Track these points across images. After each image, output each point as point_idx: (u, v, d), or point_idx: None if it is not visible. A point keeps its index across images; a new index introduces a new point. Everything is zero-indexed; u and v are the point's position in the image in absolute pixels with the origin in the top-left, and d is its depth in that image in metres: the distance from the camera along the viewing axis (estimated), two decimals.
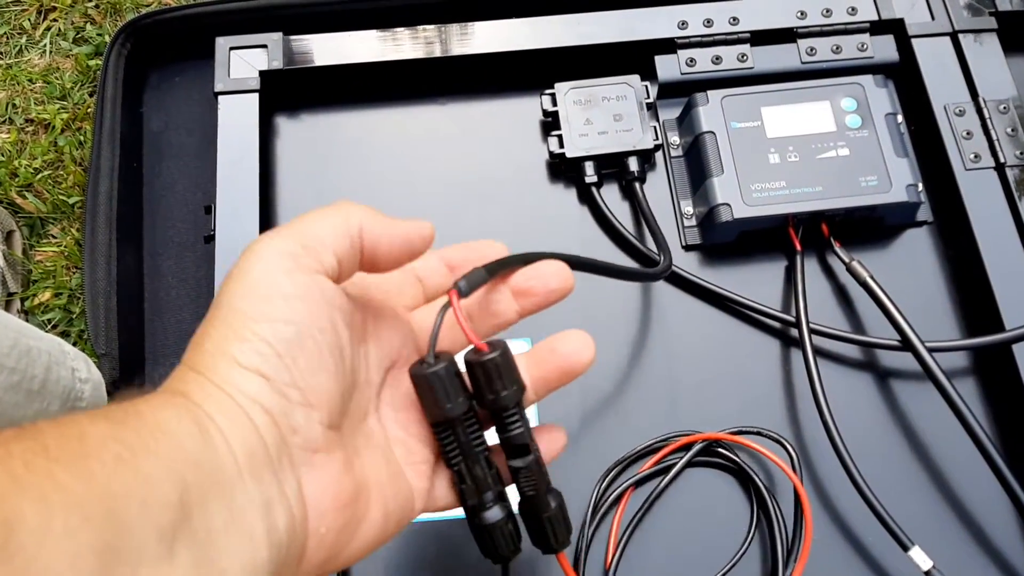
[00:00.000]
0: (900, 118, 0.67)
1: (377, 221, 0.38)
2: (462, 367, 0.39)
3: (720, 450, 0.60)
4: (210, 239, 0.64)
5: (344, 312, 0.37)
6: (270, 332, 0.34)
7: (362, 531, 0.36)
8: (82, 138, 0.99)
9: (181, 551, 0.28)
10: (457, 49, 0.70)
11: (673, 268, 0.64)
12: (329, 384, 0.35)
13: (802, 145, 0.65)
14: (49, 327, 0.90)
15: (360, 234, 0.37)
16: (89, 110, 1.02)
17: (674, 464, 0.59)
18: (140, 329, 0.70)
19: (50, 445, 0.27)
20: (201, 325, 0.35)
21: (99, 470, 0.27)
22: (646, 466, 0.59)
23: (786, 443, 0.59)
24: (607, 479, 0.59)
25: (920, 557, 0.54)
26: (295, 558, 0.33)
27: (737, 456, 0.60)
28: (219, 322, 0.35)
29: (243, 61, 0.69)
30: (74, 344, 0.87)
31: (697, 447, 0.59)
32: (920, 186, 0.65)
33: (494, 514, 0.40)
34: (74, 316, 0.91)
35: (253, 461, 0.32)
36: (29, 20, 1.08)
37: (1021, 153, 0.66)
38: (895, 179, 0.63)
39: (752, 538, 0.58)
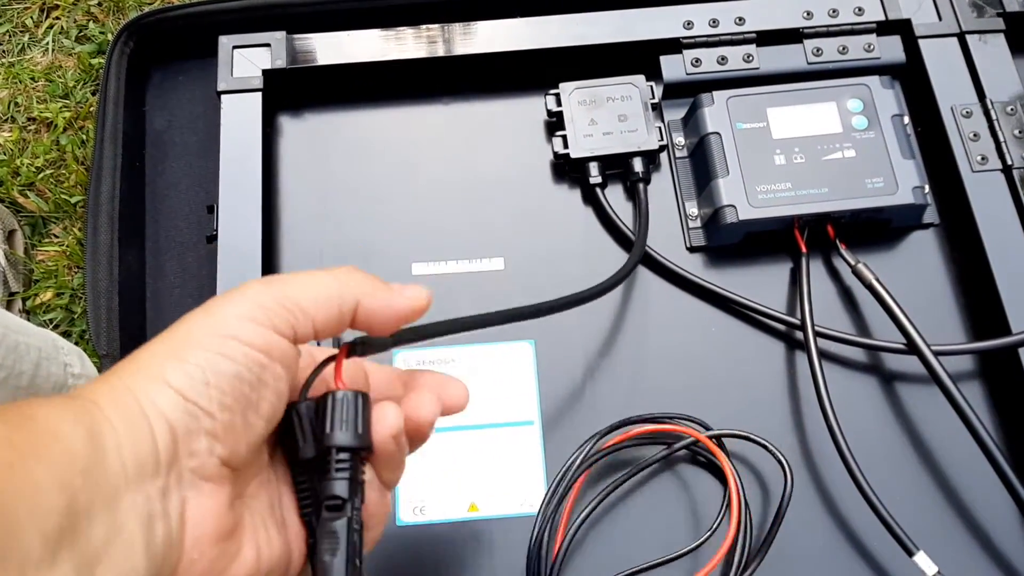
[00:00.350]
0: (907, 119, 0.67)
1: (377, 297, 0.38)
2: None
3: (701, 451, 0.60)
4: (212, 239, 0.64)
5: (290, 376, 0.37)
6: (208, 361, 0.34)
7: (232, 570, 0.36)
8: (84, 137, 0.99)
9: (64, 558, 0.29)
10: (461, 48, 0.70)
11: (676, 269, 0.64)
12: (244, 428, 0.35)
13: (808, 146, 0.64)
14: (51, 327, 0.90)
15: (355, 307, 0.38)
16: (91, 109, 1.02)
17: (644, 457, 0.59)
18: (142, 329, 0.69)
19: None
20: (151, 339, 0.36)
21: None
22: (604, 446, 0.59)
23: (779, 455, 0.58)
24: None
25: (925, 562, 0.54)
26: None
27: (717, 460, 0.59)
28: (167, 341, 0.35)
29: (246, 60, 0.69)
30: (76, 345, 0.87)
31: (680, 444, 0.59)
32: (926, 188, 0.65)
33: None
34: (76, 316, 0.91)
35: (142, 471, 0.32)
36: (32, 18, 1.08)
37: None
38: (901, 181, 0.63)
39: (707, 539, 0.57)
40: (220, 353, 0.34)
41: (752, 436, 0.58)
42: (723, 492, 0.59)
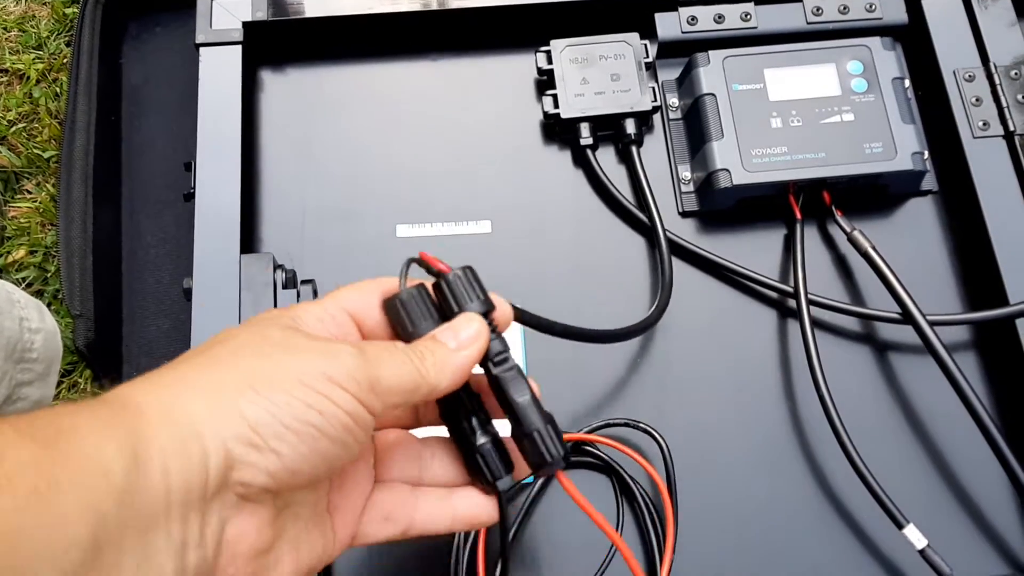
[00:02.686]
0: (907, 83, 0.67)
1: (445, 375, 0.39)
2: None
3: (586, 448, 0.60)
4: (190, 197, 0.63)
5: (367, 439, 0.38)
6: (290, 407, 0.34)
7: None
8: (58, 90, 0.98)
9: None
10: (450, 2, 0.69)
11: (668, 235, 0.64)
12: (307, 473, 0.36)
13: (805, 109, 0.64)
14: (24, 285, 0.90)
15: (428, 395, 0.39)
16: (65, 60, 1.01)
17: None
18: (117, 289, 0.69)
19: None
20: (206, 352, 0.36)
21: (9, 504, 0.27)
22: None
23: (656, 434, 0.59)
24: None
25: (915, 535, 0.55)
26: None
27: (603, 451, 0.59)
28: (236, 367, 0.35)
29: (226, 11, 0.68)
30: (49, 305, 0.87)
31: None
32: (926, 154, 0.65)
33: (481, 438, 0.42)
34: (49, 275, 0.90)
35: (187, 497, 0.32)
36: None
37: None
38: (900, 146, 0.63)
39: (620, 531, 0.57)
40: (306, 403, 0.35)
41: (615, 421, 0.59)
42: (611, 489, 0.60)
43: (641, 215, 0.65)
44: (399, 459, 0.43)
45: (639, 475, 0.59)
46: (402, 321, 0.41)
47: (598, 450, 0.59)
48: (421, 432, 0.45)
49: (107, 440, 0.31)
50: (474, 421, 0.42)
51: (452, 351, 0.39)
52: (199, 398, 0.34)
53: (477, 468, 0.42)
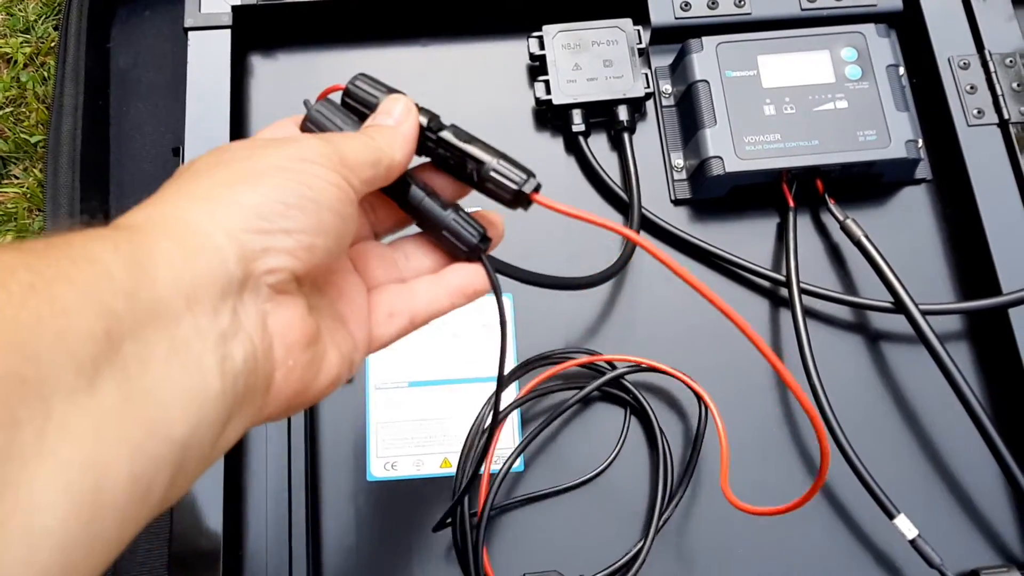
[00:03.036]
0: (902, 70, 0.67)
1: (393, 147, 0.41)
2: None
3: (623, 383, 0.61)
4: None
5: (357, 214, 0.39)
6: (284, 185, 0.35)
7: (325, 368, 0.38)
8: (46, 74, 0.98)
9: (106, 383, 0.27)
10: None
11: (660, 223, 0.64)
12: (322, 249, 0.36)
13: (799, 96, 0.64)
14: None
15: (388, 165, 0.40)
16: (53, 44, 1.00)
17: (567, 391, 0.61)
18: None
19: None
20: (191, 167, 0.36)
21: (3, 300, 0.26)
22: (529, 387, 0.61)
23: (694, 385, 0.59)
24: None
25: (906, 525, 0.55)
26: (260, 389, 0.34)
27: (638, 392, 0.61)
28: (218, 174, 0.36)
29: None
30: None
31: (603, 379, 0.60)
32: (920, 142, 0.64)
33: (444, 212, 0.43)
34: None
35: (210, 291, 0.32)
36: None
37: None
38: (894, 134, 0.63)
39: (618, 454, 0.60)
40: (296, 181, 0.35)
41: (663, 368, 0.60)
42: (622, 420, 0.61)
43: (633, 202, 0.65)
44: (376, 265, 0.44)
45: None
46: (328, 129, 0.42)
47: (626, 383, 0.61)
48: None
49: (106, 250, 0.30)
50: (433, 201, 0.43)
51: (393, 127, 0.41)
52: (192, 204, 0.34)
53: (452, 243, 0.43)
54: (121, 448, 0.27)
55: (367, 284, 0.44)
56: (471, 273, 0.44)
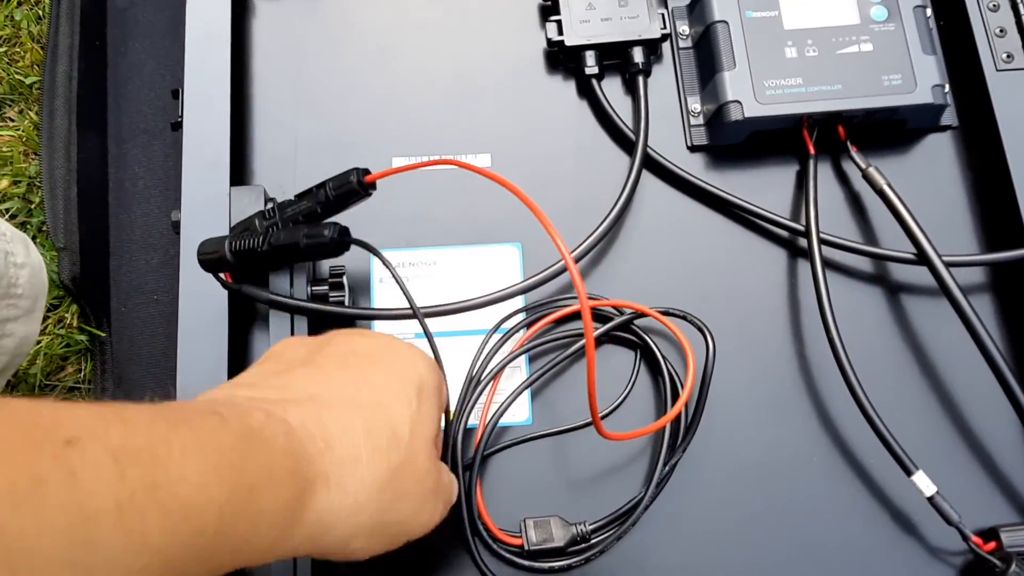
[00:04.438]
0: (929, 12, 0.65)
1: None
2: None
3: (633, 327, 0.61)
4: (178, 126, 0.62)
5: None
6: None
7: None
8: (40, 12, 0.96)
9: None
10: None
11: (675, 169, 0.63)
12: None
13: (822, 38, 0.63)
14: (7, 217, 0.89)
15: None
16: None
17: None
18: (104, 221, 0.68)
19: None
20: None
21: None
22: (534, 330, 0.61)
23: (706, 330, 0.59)
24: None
25: (924, 482, 0.55)
26: None
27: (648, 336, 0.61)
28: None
29: None
30: (34, 238, 0.86)
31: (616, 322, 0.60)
32: (947, 87, 0.63)
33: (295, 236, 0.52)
34: (33, 206, 0.89)
35: None
36: None
37: None
38: (920, 78, 0.62)
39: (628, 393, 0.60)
40: None
41: (675, 311, 0.60)
42: (635, 362, 0.61)
43: (647, 148, 0.64)
44: None
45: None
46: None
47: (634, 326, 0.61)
48: None
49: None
50: (279, 236, 0.51)
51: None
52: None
53: (316, 246, 0.51)
54: None
55: None
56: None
